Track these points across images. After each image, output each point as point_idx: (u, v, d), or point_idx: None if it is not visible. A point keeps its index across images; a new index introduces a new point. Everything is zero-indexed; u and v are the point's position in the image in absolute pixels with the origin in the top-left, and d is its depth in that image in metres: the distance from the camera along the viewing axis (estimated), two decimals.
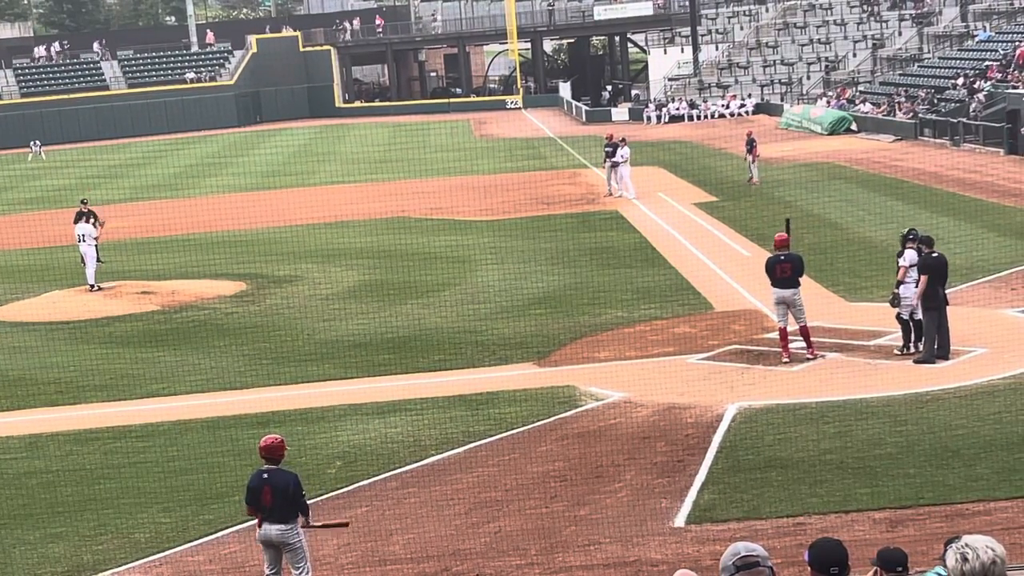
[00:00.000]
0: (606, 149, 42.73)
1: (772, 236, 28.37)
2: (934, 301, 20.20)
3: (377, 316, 26.52)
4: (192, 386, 22.22)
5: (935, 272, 20.21)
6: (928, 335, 20.32)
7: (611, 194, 42.59)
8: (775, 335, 21.80)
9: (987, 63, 56.83)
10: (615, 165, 42.42)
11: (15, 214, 50.37)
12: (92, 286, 31.35)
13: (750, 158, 43.91)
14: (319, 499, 15.19)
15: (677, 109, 74.66)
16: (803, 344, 20.98)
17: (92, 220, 32.23)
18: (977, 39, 62.75)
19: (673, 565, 13.29)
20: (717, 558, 13.71)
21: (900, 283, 20.63)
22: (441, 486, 16.23)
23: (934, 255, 20.46)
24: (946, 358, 20.25)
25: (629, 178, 42.42)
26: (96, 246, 31.64)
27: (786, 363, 20.66)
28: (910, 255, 20.59)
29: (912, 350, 20.62)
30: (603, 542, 14.09)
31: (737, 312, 24.67)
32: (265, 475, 12.61)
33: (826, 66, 74.36)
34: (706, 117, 73.13)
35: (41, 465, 18.39)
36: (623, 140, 43.88)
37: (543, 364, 22.03)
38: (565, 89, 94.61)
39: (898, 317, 20.85)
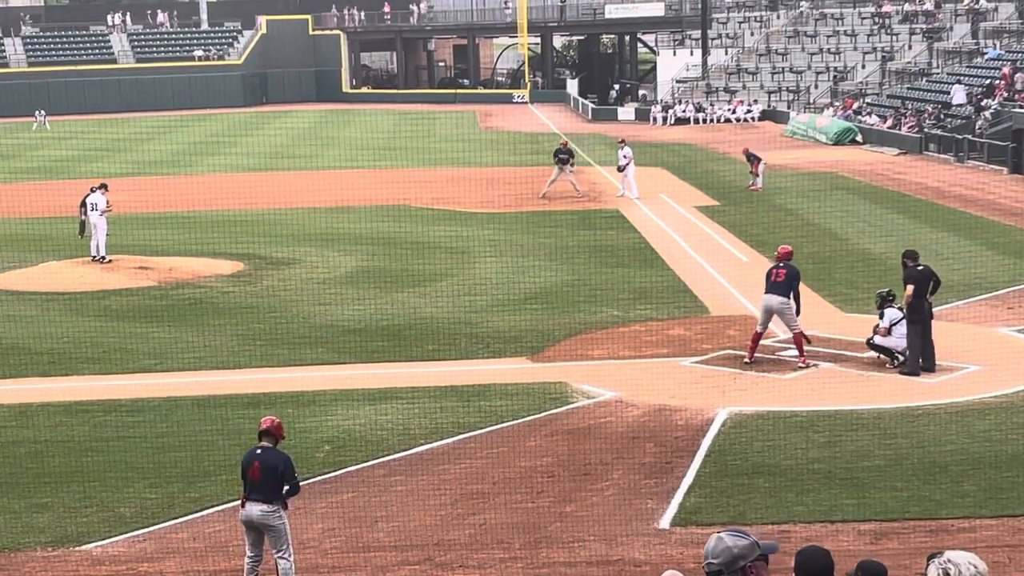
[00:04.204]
0: (560, 155, 42.86)
1: (771, 242, 28.42)
2: (919, 314, 20.28)
3: (373, 303, 26.51)
4: (184, 363, 22.21)
5: (920, 284, 20.29)
6: (912, 348, 20.37)
7: (543, 194, 42.54)
8: (769, 342, 21.84)
9: (992, 81, 56.80)
10: (626, 167, 42.44)
11: (17, 183, 50.31)
12: (103, 257, 31.30)
13: (754, 169, 43.96)
14: (305, 483, 15.17)
15: (683, 111, 74.55)
16: (796, 352, 21.01)
17: (105, 192, 32.11)
18: (987, 57, 62.70)
19: (656, 566, 13.30)
20: (701, 561, 13.73)
21: (878, 336, 20.81)
22: (428, 476, 16.24)
23: (919, 268, 20.58)
24: (932, 370, 20.31)
25: (633, 178, 42.44)
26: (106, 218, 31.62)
27: (747, 363, 20.92)
28: (891, 314, 20.74)
29: (901, 360, 20.68)
30: (587, 540, 14.10)
31: (732, 317, 24.67)
32: (258, 451, 12.73)
33: (834, 76, 74.26)
34: (712, 121, 73.06)
35: (30, 435, 18.39)
36: (622, 141, 44.04)
37: (536, 359, 22.03)
38: (572, 86, 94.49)
39: (869, 343, 20.95)
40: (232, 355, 22.70)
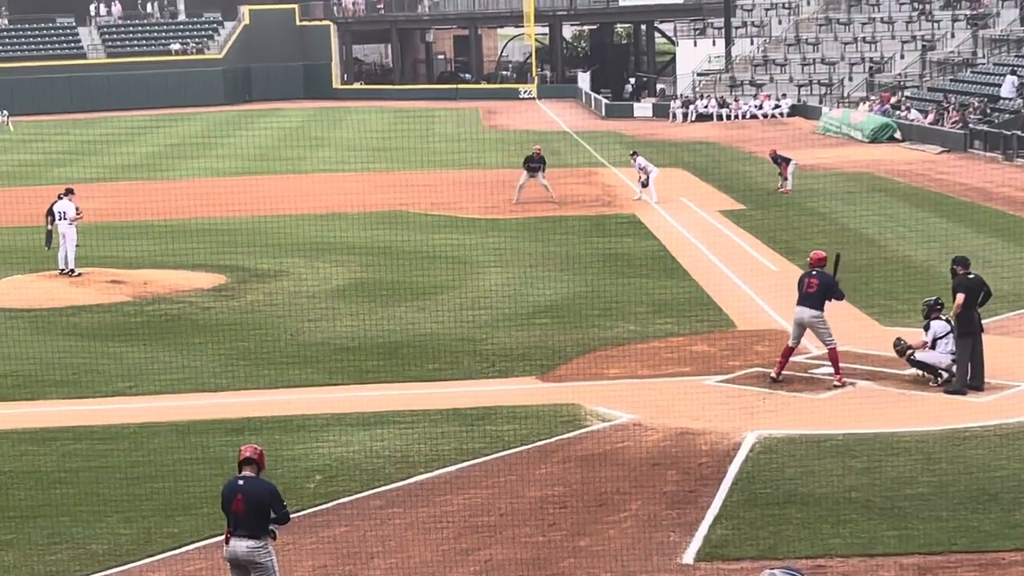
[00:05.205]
0: (531, 164, 43.04)
1: (803, 250, 28.44)
2: (969, 326, 20.27)
3: (368, 318, 26.53)
4: (162, 386, 22.23)
5: (972, 293, 20.30)
6: (961, 363, 20.36)
7: (517, 201, 42.70)
8: (802, 359, 21.83)
9: None
10: (648, 179, 42.55)
11: None
12: (71, 270, 31.33)
13: (783, 171, 44.05)
14: (294, 516, 15.14)
15: (705, 107, 74.62)
16: (831, 370, 20.99)
17: (73, 198, 32.12)
18: None
19: None
20: None
21: (912, 350, 20.84)
22: (429, 507, 16.24)
23: (970, 276, 20.59)
24: (980, 388, 20.30)
25: (653, 182, 42.52)
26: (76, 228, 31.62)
27: (774, 380, 20.95)
28: (936, 326, 20.71)
29: (945, 377, 20.67)
30: None
31: (761, 332, 24.67)
32: (240, 482, 12.69)
33: (870, 67, 74.30)
34: (737, 117, 73.10)
35: None
36: (634, 154, 44.21)
37: (546, 379, 22.04)
38: (584, 80, 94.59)
39: (910, 359, 20.93)
40: (213, 377, 22.71)
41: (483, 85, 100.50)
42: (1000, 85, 58.32)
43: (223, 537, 12.96)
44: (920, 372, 21.02)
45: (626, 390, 21.06)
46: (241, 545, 12.61)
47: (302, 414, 20.26)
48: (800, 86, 75.83)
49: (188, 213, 40.85)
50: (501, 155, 56.47)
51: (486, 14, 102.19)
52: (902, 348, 21.11)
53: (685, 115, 74.60)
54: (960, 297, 20.31)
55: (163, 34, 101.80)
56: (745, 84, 77.86)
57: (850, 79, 74.54)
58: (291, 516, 13.17)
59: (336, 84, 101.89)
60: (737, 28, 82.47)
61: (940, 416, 19.26)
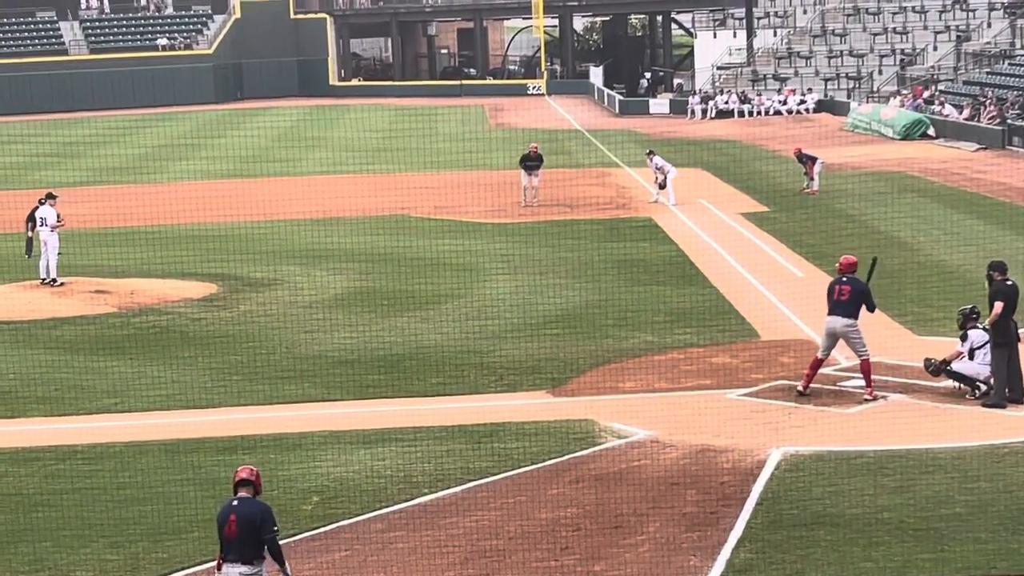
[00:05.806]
0: (528, 163, 43.19)
1: (831, 254, 28.43)
2: (1006, 335, 20.27)
3: (367, 329, 26.55)
4: (150, 403, 22.26)
5: (1010, 300, 20.31)
6: (999, 375, 20.35)
7: (525, 203, 42.83)
8: (830, 370, 21.81)
9: None
10: (665, 180, 42.59)
11: None
12: (53, 280, 31.41)
13: (808, 171, 44.10)
14: (291, 540, 15.20)
15: (726, 103, 74.72)
16: (862, 382, 20.97)
17: (55, 203, 32.21)
18: None
19: None
20: None
21: (947, 362, 20.87)
22: (434, 531, 16.25)
23: (1008, 282, 20.60)
24: (1020, 401, 20.30)
25: (671, 183, 42.54)
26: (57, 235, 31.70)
27: (800, 393, 20.94)
28: (975, 335, 20.71)
29: (983, 389, 20.67)
30: None
31: (786, 342, 24.66)
32: (235, 503, 12.72)
33: (901, 60, 74.32)
34: (759, 113, 73.15)
35: None
36: (651, 153, 44.32)
37: (558, 393, 22.05)
38: (596, 75, 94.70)
39: (946, 370, 20.93)
40: (205, 392, 22.74)
41: (489, 81, 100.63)
42: None
43: (215, 563, 12.98)
44: (957, 384, 21.02)
45: (643, 405, 21.05)
46: (233, 572, 12.62)
47: (298, 432, 20.26)
48: (827, 80, 75.86)
49: (177, 218, 40.92)
50: (508, 155, 56.49)
51: (492, 5, 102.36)
52: (936, 369, 21.10)
53: (704, 112, 74.68)
54: (998, 305, 20.31)
55: (149, 29, 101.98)
56: (768, 78, 77.90)
57: (880, 72, 74.54)
58: (288, 540, 13.19)
59: (333, 80, 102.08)
60: (759, 19, 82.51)
61: (978, 431, 19.24)
